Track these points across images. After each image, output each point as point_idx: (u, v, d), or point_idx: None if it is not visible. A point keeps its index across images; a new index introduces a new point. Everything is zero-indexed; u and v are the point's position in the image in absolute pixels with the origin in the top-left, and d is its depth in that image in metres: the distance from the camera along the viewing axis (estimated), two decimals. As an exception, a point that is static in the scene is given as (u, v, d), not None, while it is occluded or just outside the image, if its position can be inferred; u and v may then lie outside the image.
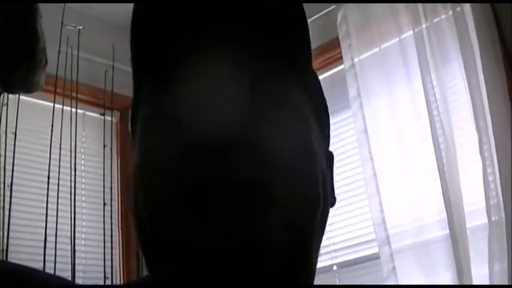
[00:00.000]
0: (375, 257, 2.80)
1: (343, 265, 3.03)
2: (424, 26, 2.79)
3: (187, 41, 0.59)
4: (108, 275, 3.01)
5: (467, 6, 2.68)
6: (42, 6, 1.86)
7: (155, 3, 0.60)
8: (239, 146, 0.53)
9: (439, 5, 2.76)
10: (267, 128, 0.56)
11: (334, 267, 3.03)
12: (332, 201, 0.64)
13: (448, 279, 2.51)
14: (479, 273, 2.44)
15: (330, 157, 0.66)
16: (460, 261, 2.48)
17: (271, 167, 0.54)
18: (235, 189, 0.52)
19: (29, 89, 1.85)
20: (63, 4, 3.15)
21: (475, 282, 2.44)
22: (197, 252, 0.51)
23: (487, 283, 2.40)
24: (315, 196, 0.58)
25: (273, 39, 0.61)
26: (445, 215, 2.55)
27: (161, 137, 0.56)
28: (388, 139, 2.82)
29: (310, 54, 0.65)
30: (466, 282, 2.44)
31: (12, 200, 2.75)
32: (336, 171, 2.52)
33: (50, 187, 2.90)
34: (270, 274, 0.53)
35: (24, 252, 2.88)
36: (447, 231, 2.54)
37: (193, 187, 0.52)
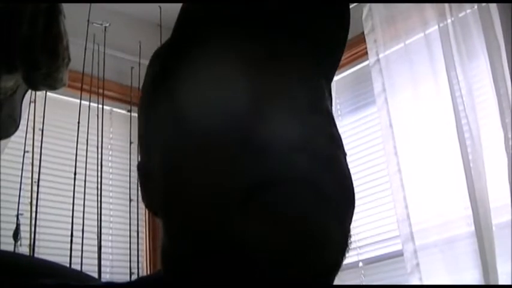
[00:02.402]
0: (400, 254, 2.78)
1: (369, 261, 3.02)
2: (449, 20, 2.77)
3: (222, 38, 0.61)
4: (134, 270, 3.03)
5: (491, -1, 2.66)
6: (69, 4, 1.88)
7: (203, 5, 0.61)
8: (291, 146, 0.53)
9: (464, -1, 2.74)
10: (312, 130, 0.56)
11: (360, 264, 3.02)
12: None
13: (473, 276, 2.49)
14: (505, 271, 2.40)
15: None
16: (486, 258, 2.45)
17: (320, 166, 0.54)
18: (295, 188, 0.52)
19: (52, 86, 1.87)
20: (89, 1, 3.18)
21: (500, 280, 2.41)
22: (264, 252, 0.51)
23: (514, 280, 2.38)
24: (353, 194, 0.59)
25: (306, 39, 0.62)
26: (471, 211, 2.52)
27: (208, 138, 0.56)
28: (414, 134, 2.80)
29: (341, 58, 0.66)
30: (491, 280, 2.41)
31: (39, 195, 2.78)
32: (360, 166, 2.52)
33: (76, 183, 2.92)
34: (326, 271, 0.55)
35: (51, 248, 2.91)
36: (472, 228, 2.52)
37: (249, 189, 0.52)
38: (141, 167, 0.66)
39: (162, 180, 0.60)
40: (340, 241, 0.56)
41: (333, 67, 0.66)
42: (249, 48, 0.60)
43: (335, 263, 0.56)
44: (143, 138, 0.67)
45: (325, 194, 0.54)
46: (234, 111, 0.55)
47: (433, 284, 2.58)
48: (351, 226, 0.60)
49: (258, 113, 0.54)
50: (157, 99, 0.64)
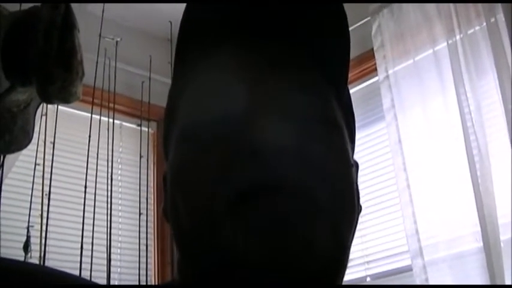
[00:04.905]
0: (409, 269, 2.78)
1: (377, 276, 3.01)
2: (458, 37, 2.78)
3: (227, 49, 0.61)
4: (143, 284, 3.04)
5: (500, 16, 2.66)
6: (81, 18, 1.91)
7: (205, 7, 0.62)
8: (284, 153, 0.54)
9: (473, 16, 2.75)
10: (309, 138, 0.57)
11: (368, 279, 3.01)
12: (359, 210, 0.65)
13: (482, 292, 2.49)
14: (513, 286, 2.41)
15: (356, 166, 0.66)
16: (494, 274, 2.45)
17: (314, 175, 0.55)
18: (285, 196, 0.53)
19: (66, 100, 1.90)
20: (101, 16, 3.21)
21: (509, 296, 2.41)
22: (247, 259, 0.52)
23: (522, 297, 2.37)
24: (353, 204, 0.59)
25: (309, 47, 0.62)
26: (479, 227, 2.52)
27: (201, 143, 0.56)
28: (422, 150, 2.80)
29: (347, 65, 0.65)
30: (499, 296, 2.41)
31: (50, 208, 2.79)
32: (369, 181, 2.52)
33: (86, 196, 2.94)
34: (316, 279, 0.54)
35: (61, 260, 2.93)
36: (481, 244, 2.51)
37: (238, 194, 0.52)
38: (164, 174, 0.67)
39: (169, 186, 0.61)
40: (332, 251, 0.55)
41: (340, 74, 0.65)
42: (250, 57, 0.60)
43: (323, 272, 0.55)
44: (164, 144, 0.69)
45: (317, 203, 0.54)
46: (228, 117, 0.56)
47: (435, 284, 2.58)
48: (352, 239, 0.60)
49: (253, 120, 0.55)
50: (169, 105, 0.66)
